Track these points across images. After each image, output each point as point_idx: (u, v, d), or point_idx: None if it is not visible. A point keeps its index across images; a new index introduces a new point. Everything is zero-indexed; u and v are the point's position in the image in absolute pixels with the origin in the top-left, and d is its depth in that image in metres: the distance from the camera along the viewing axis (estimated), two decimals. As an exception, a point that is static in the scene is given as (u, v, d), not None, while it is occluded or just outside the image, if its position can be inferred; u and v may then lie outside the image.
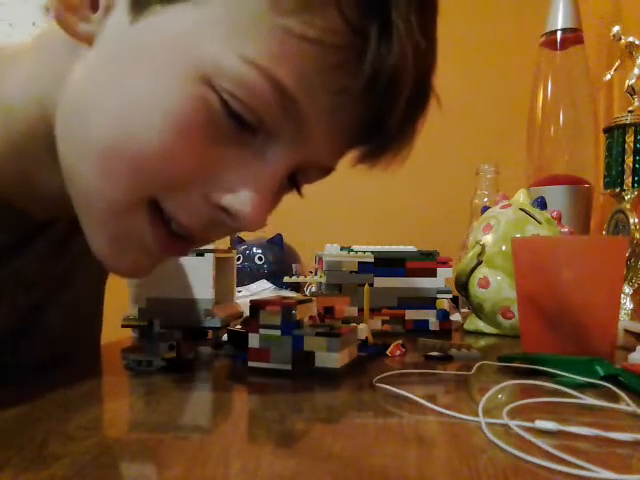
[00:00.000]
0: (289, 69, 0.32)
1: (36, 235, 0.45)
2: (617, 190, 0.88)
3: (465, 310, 0.86)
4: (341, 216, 1.40)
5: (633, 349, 0.49)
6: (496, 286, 0.69)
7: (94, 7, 0.34)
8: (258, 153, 0.35)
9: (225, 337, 0.58)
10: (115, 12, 0.34)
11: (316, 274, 0.74)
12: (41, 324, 0.48)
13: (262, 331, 0.45)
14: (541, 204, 0.72)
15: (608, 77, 0.92)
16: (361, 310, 0.69)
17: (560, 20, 0.99)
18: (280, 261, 1.17)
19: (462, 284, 0.74)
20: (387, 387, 0.40)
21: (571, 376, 0.42)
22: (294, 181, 0.39)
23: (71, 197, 0.38)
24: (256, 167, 0.35)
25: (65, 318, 0.51)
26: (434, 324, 0.71)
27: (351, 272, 0.71)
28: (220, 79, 0.32)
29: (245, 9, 0.31)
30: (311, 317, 0.50)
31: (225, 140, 0.34)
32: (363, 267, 0.71)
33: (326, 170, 0.39)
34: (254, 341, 0.45)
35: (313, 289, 0.76)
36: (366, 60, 0.32)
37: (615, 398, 0.37)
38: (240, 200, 0.35)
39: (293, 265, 1.18)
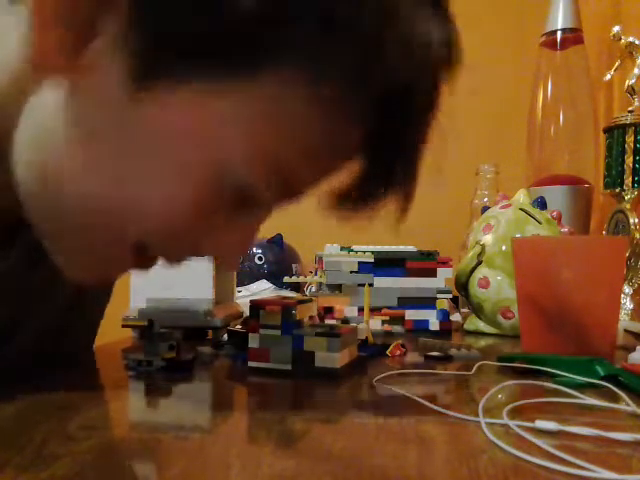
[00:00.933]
0: (297, 153, 0.30)
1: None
2: (617, 190, 0.88)
3: (465, 310, 0.86)
4: (341, 216, 1.39)
5: (633, 349, 0.49)
6: (496, 286, 0.69)
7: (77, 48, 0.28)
8: (247, 213, 0.34)
9: (225, 337, 0.58)
10: (107, 62, 0.28)
11: (316, 274, 0.74)
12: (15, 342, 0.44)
13: (262, 331, 0.45)
14: (541, 204, 0.72)
15: (608, 77, 0.92)
16: (361, 310, 0.69)
17: (560, 20, 0.99)
18: (280, 261, 1.17)
19: (462, 284, 0.74)
20: (387, 387, 0.40)
21: (571, 376, 0.42)
22: None
23: (31, 220, 0.34)
24: (244, 221, 0.35)
25: (43, 334, 0.47)
26: (434, 324, 0.71)
27: (351, 272, 0.71)
28: (236, 171, 0.30)
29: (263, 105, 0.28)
30: (311, 317, 0.50)
31: (224, 211, 0.33)
32: (363, 267, 0.71)
33: None
34: (254, 341, 0.45)
35: (313, 289, 0.76)
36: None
37: (615, 398, 0.37)
38: (225, 249, 0.35)
39: (293, 265, 1.18)
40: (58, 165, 0.31)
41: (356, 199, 0.33)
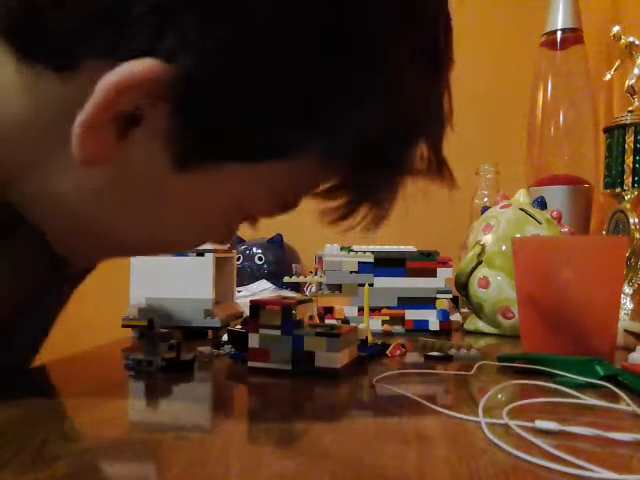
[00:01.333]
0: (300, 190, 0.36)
1: None
2: (617, 190, 0.87)
3: (465, 310, 0.86)
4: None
5: (633, 349, 0.49)
6: (496, 286, 0.69)
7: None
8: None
9: (225, 337, 0.58)
10: (149, 142, 0.29)
11: (316, 274, 0.74)
12: None
13: (262, 331, 0.45)
14: (541, 204, 0.72)
15: (608, 77, 0.92)
16: (361, 310, 0.69)
17: (560, 20, 0.99)
18: (280, 261, 1.17)
19: (462, 284, 0.74)
20: (387, 387, 0.40)
21: (571, 376, 0.42)
22: None
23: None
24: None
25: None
26: (434, 324, 0.71)
27: (351, 272, 0.71)
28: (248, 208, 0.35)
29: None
30: (311, 317, 0.50)
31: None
32: (363, 267, 0.71)
33: None
34: (254, 341, 0.45)
35: (313, 289, 0.76)
36: None
37: (615, 398, 0.37)
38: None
39: (293, 265, 1.18)
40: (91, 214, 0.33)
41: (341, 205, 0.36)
